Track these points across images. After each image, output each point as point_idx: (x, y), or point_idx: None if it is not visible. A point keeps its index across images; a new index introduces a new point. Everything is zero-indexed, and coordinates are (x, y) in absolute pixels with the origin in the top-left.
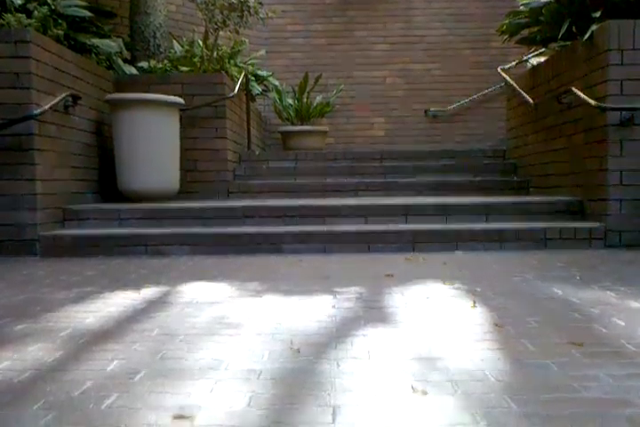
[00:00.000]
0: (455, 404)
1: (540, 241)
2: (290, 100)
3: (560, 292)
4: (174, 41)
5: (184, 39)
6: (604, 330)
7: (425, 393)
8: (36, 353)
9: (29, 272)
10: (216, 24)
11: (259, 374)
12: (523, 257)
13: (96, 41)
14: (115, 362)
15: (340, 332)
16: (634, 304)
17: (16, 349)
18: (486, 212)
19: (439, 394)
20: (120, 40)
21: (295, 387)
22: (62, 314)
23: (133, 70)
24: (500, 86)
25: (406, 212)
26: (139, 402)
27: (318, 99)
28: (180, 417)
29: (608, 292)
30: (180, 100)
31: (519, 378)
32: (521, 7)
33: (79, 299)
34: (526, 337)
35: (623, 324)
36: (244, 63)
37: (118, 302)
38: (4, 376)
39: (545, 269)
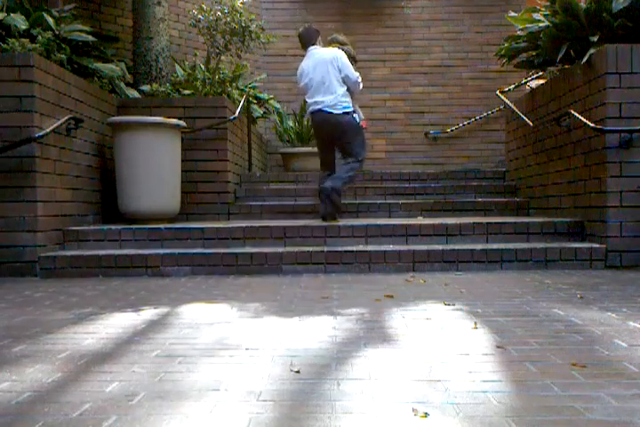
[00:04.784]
0: None
1: (540, 262)
2: (291, 123)
3: (561, 312)
4: (176, 65)
5: (186, 63)
6: (605, 351)
7: (426, 416)
8: (34, 375)
9: (29, 293)
10: (218, 48)
11: (258, 395)
12: (523, 278)
13: (99, 65)
14: (114, 384)
15: (340, 353)
16: (635, 325)
17: (15, 370)
18: (487, 233)
19: (441, 416)
20: (123, 64)
21: (295, 409)
22: (61, 335)
23: (136, 94)
24: (500, 109)
25: (406, 232)
26: (137, 424)
27: None
28: None
29: (609, 313)
30: (182, 122)
31: (521, 400)
32: (519, 32)
33: (78, 320)
34: (528, 359)
35: (625, 345)
36: (246, 86)
37: (117, 323)
38: (2, 398)
39: (546, 289)
